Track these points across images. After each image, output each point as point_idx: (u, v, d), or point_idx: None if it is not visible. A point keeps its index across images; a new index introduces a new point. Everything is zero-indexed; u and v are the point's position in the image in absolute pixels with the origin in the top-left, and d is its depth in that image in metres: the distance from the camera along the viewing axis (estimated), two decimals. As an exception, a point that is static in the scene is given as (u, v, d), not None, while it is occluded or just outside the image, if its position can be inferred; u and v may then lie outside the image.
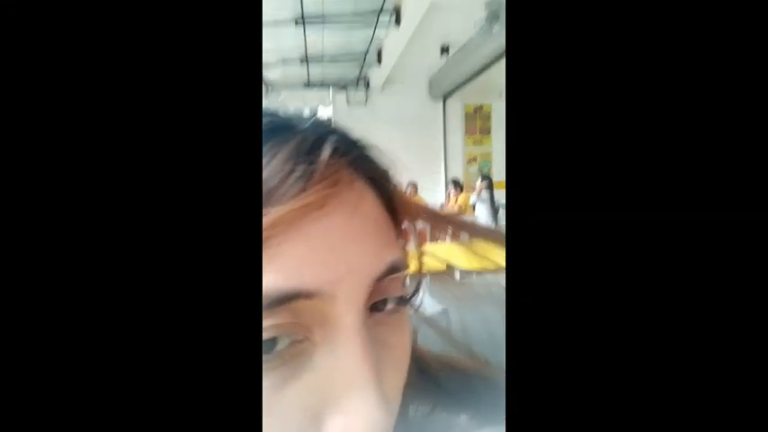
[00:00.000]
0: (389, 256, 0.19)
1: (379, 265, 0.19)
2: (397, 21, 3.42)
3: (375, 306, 0.19)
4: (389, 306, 0.20)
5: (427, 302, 2.08)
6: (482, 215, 4.37)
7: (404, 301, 0.21)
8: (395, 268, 0.20)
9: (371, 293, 0.19)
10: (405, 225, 0.23)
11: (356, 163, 0.20)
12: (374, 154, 0.23)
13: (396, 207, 0.22)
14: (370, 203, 0.20)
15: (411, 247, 0.27)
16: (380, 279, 0.19)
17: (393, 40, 3.88)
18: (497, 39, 3.41)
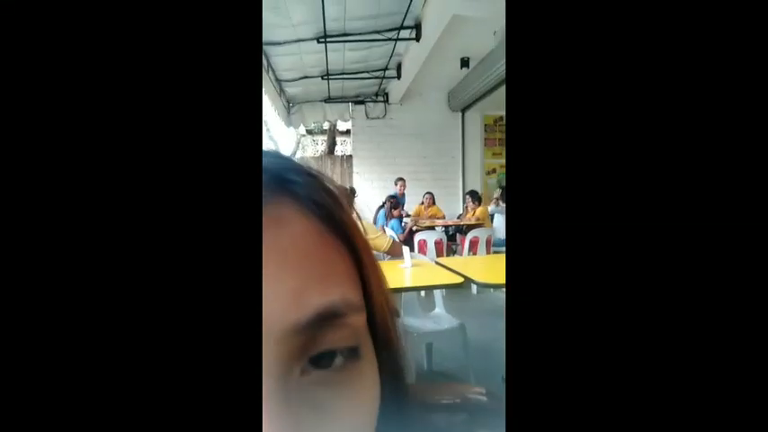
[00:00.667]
0: (319, 300, 0.16)
1: (301, 312, 0.15)
2: (418, 36, 3.47)
3: (319, 361, 0.16)
4: (338, 361, 0.17)
5: (443, 317, 2.05)
6: (501, 226, 4.31)
7: (355, 353, 0.17)
8: (330, 313, 0.16)
9: (302, 345, 0.16)
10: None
11: (300, 192, 0.18)
12: (323, 182, 0.19)
13: (349, 233, 0.19)
14: (298, 234, 0.17)
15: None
16: (310, 328, 0.16)
17: (413, 55, 3.94)
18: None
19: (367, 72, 4.55)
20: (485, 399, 0.24)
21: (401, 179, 4.89)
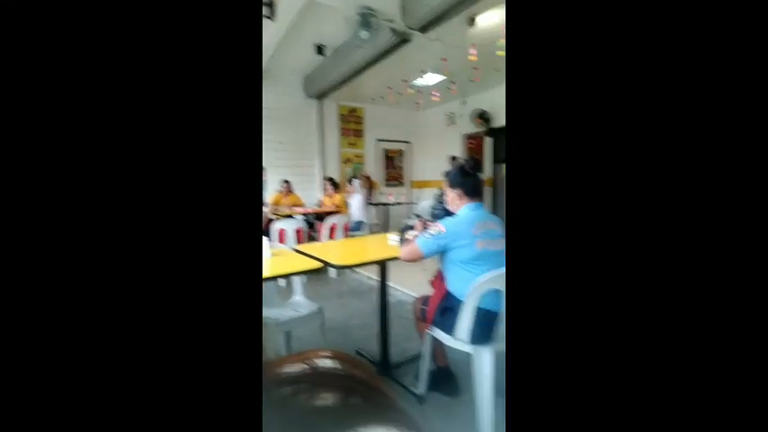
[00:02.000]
0: None
1: None
2: (272, 14, 3.28)
3: None
4: None
5: (302, 302, 2.08)
6: (356, 211, 4.58)
7: None
8: None
9: None
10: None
11: None
12: None
13: None
14: None
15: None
16: None
17: (268, 33, 3.71)
18: (367, 45, 3.61)
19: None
20: (329, 362, 0.28)
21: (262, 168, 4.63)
